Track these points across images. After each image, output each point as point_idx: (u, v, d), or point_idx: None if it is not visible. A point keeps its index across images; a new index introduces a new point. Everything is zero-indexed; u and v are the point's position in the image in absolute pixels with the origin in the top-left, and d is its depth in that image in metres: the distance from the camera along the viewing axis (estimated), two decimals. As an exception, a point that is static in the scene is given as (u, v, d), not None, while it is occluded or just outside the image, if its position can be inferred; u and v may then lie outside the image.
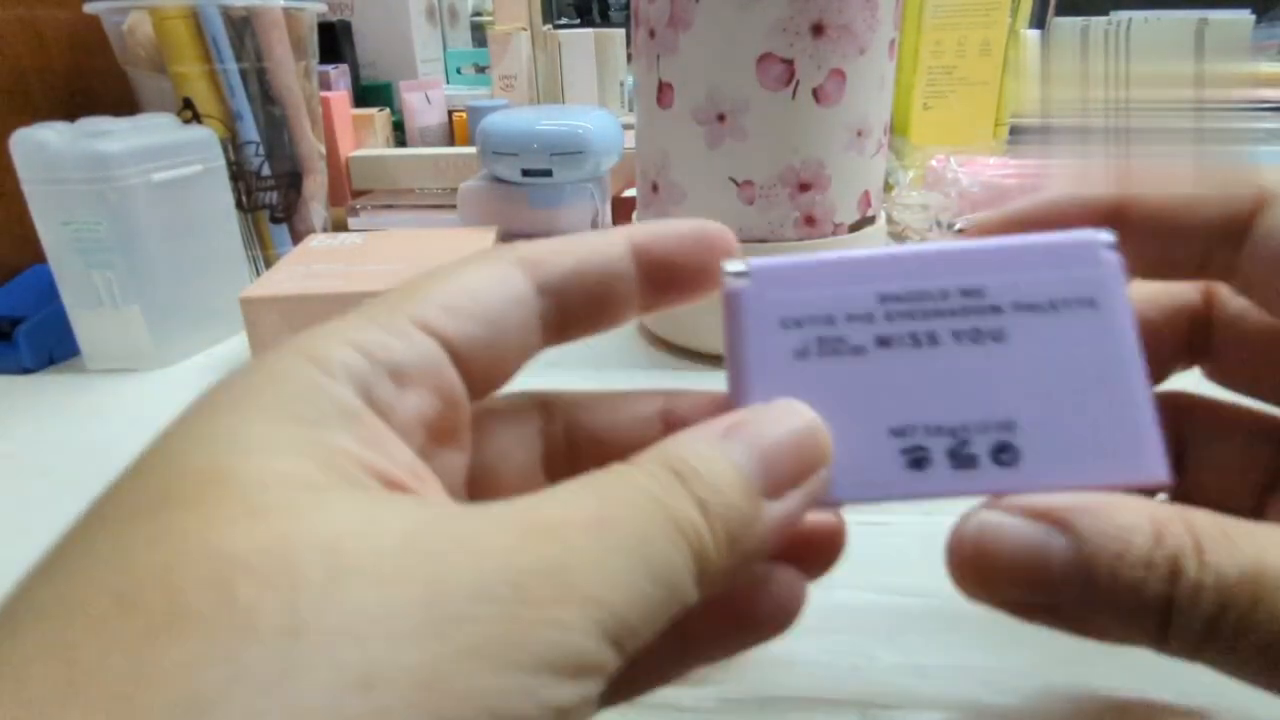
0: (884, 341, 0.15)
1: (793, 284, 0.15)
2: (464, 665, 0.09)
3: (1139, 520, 0.13)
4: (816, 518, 0.17)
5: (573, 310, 0.15)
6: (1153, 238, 0.16)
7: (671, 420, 0.17)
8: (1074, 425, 0.14)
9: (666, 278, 0.16)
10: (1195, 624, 0.13)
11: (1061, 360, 0.14)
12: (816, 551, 0.17)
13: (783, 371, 0.15)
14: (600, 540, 0.11)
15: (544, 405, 0.17)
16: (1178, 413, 0.18)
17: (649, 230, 0.16)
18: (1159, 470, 0.14)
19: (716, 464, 0.13)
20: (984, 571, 0.14)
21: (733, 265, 0.16)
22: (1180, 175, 0.17)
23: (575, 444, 0.17)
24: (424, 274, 0.15)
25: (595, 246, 0.15)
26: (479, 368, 0.14)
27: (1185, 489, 0.17)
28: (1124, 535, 0.13)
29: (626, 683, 0.13)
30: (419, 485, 0.12)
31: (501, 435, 0.17)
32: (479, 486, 0.16)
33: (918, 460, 0.15)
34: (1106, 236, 0.15)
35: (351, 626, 0.09)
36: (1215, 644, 0.13)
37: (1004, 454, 0.14)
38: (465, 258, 0.15)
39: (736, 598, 0.16)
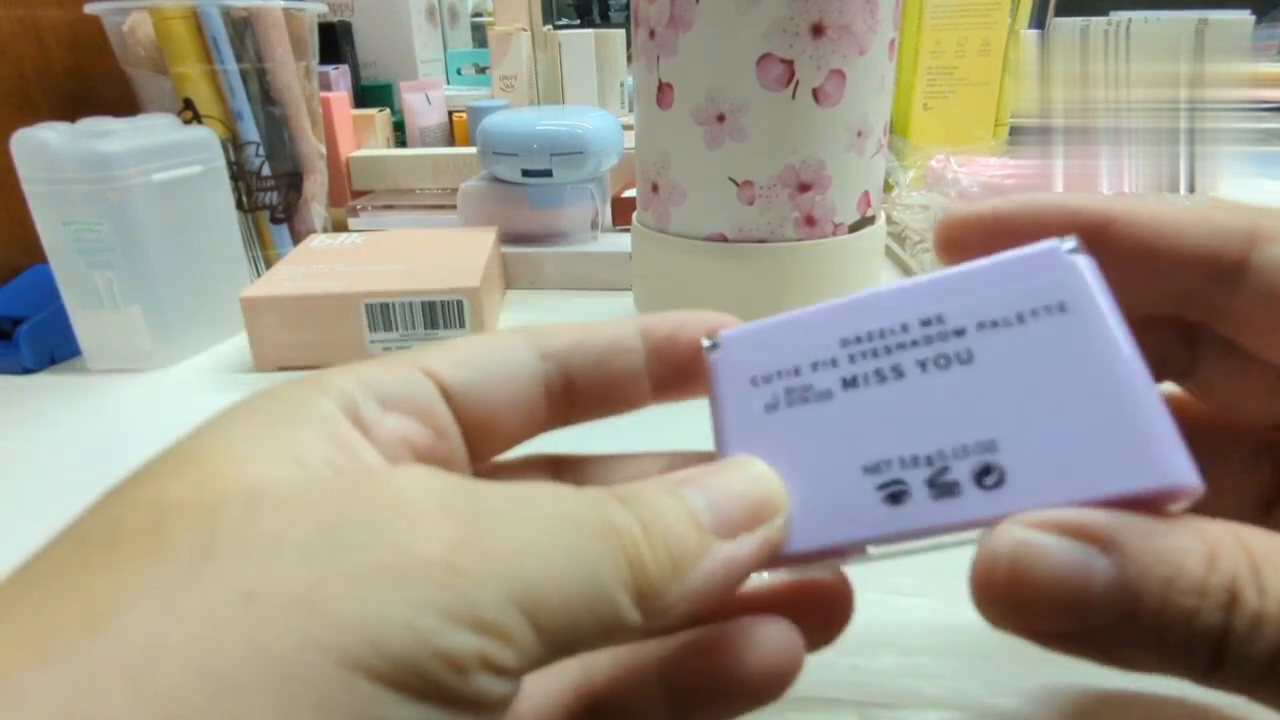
0: (849, 382, 0.15)
1: (759, 344, 0.16)
2: (348, 590, 0.10)
3: (1190, 540, 0.11)
4: (820, 576, 0.17)
5: (579, 380, 0.16)
6: (1133, 263, 0.15)
7: None
8: (1064, 435, 0.13)
9: (673, 357, 0.17)
10: (1253, 659, 0.11)
11: (1039, 371, 0.13)
12: (821, 613, 0.17)
13: (755, 425, 0.15)
14: (522, 510, 0.11)
15: (554, 464, 0.18)
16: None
17: (659, 318, 0.17)
18: (1182, 472, 0.12)
19: (664, 500, 0.13)
20: (1019, 599, 0.12)
21: (707, 341, 0.16)
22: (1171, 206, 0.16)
23: None
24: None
25: (603, 324, 0.17)
26: (474, 412, 0.15)
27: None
28: (1175, 557, 0.11)
29: None
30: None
31: None
32: None
33: (895, 495, 0.14)
34: (1068, 243, 0.14)
35: (254, 549, 0.10)
36: (1273, 680, 0.11)
37: (987, 476, 0.13)
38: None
39: (723, 650, 0.15)
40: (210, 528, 0.10)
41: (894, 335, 0.15)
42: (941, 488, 0.13)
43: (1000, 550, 0.12)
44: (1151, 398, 0.13)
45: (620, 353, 0.16)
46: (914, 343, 0.15)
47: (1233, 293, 0.14)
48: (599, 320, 0.17)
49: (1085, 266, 0.14)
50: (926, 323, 0.15)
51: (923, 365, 0.14)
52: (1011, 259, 0.14)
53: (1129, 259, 0.15)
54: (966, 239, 0.16)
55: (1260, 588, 0.11)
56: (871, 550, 0.15)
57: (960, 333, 0.14)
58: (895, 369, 0.15)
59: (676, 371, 0.17)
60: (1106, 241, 0.15)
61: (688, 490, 0.13)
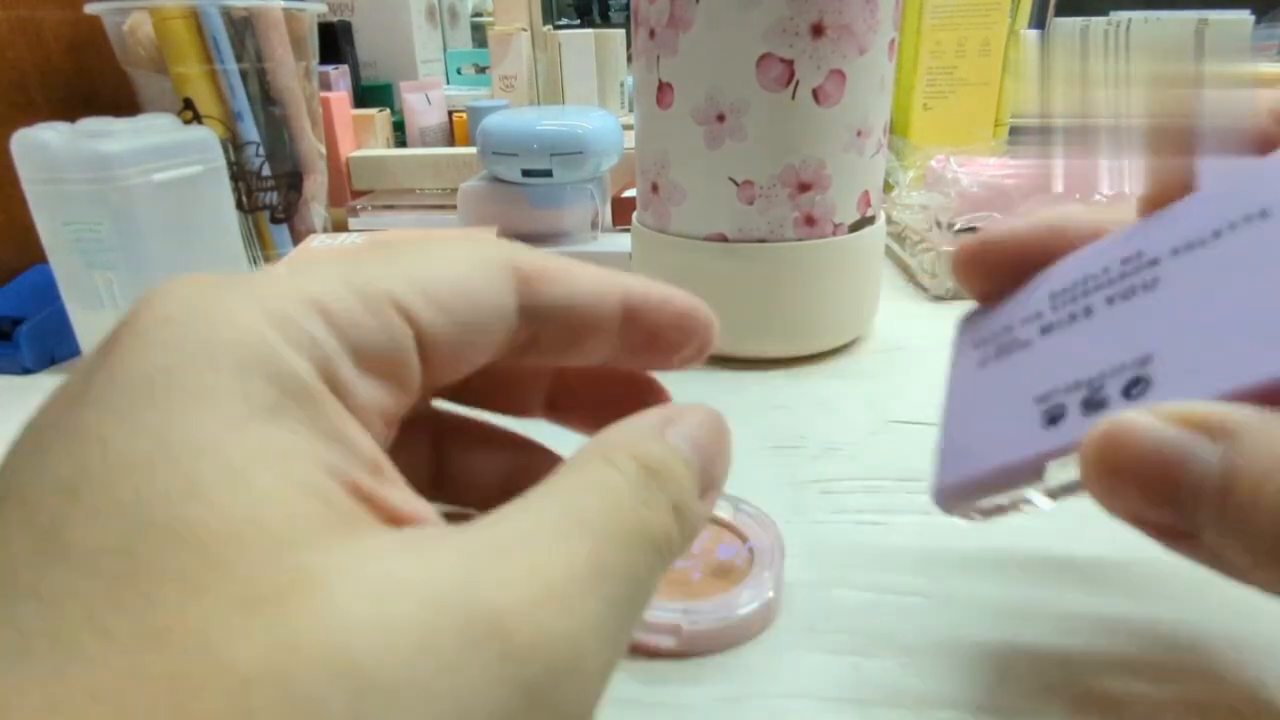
0: (1046, 329, 0.16)
1: (987, 313, 0.18)
2: None
3: None
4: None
5: (545, 341, 0.15)
6: None
7: None
8: (1216, 337, 0.13)
9: (646, 341, 0.16)
10: None
11: (1215, 281, 0.13)
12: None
13: (971, 380, 0.17)
14: (603, 606, 0.11)
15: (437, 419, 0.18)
16: None
17: (646, 290, 0.16)
18: None
19: (676, 463, 0.13)
20: (1111, 471, 0.13)
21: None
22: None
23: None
24: (410, 242, 0.14)
25: (592, 287, 0.15)
26: (438, 366, 0.13)
27: None
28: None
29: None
30: (381, 484, 0.11)
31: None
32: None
33: (1054, 418, 0.15)
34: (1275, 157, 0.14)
35: None
36: None
37: (1135, 388, 0.14)
38: (456, 237, 0.15)
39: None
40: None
41: (1094, 280, 0.16)
42: (1093, 405, 0.14)
43: (1100, 426, 0.13)
44: None
45: (599, 324, 0.15)
46: (1110, 281, 0.15)
47: None
48: (586, 269, 0.15)
49: None
50: (1126, 260, 0.15)
51: (1110, 300, 0.15)
52: (1220, 182, 0.15)
53: None
54: (985, 261, 0.17)
55: None
56: (1038, 485, 0.15)
57: (1154, 262, 0.15)
58: (1086, 309, 0.16)
59: (643, 352, 0.16)
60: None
61: (682, 442, 0.14)
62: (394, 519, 0.11)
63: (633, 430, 0.14)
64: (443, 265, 0.13)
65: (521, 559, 0.10)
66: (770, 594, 0.21)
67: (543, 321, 0.14)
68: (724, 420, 0.15)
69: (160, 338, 0.11)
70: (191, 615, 0.09)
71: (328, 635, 0.09)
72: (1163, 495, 0.12)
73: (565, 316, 0.15)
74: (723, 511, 0.24)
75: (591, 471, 0.12)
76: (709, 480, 0.14)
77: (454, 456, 0.18)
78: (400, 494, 0.12)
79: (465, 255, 0.14)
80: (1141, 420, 0.12)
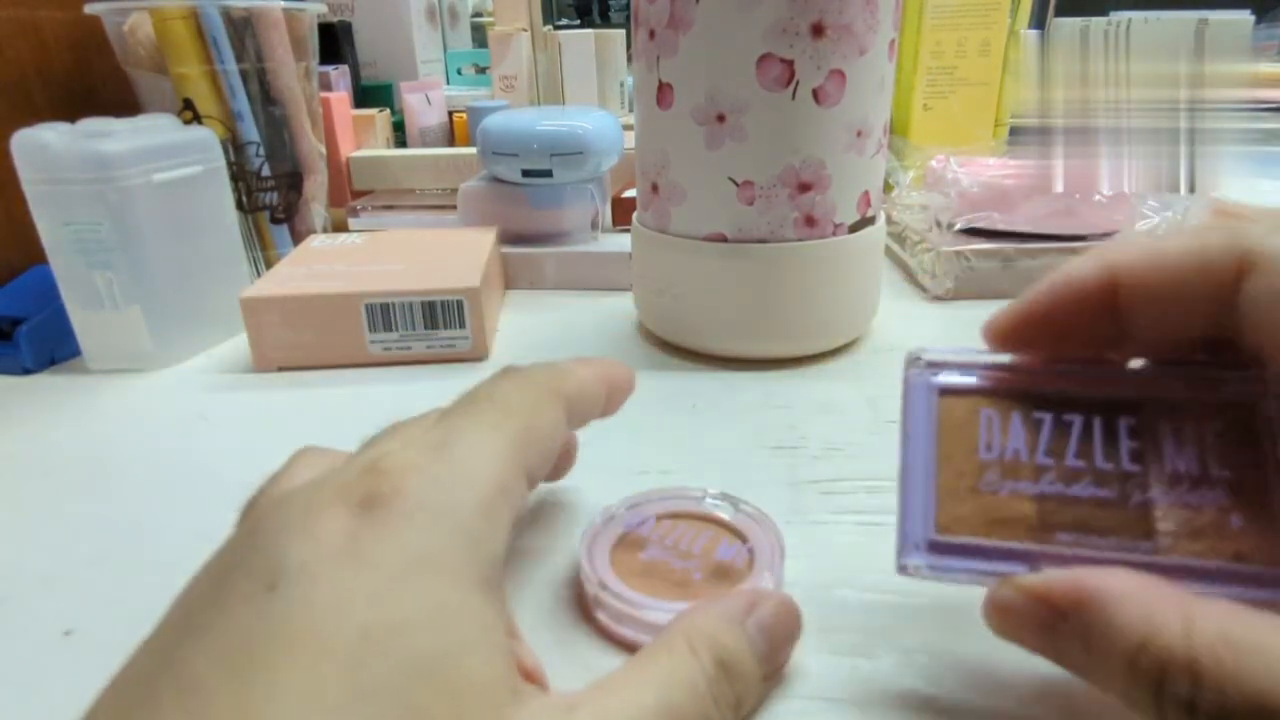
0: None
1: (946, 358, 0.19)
2: None
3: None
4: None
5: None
6: (1148, 317, 0.17)
7: None
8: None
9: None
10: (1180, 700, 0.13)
11: None
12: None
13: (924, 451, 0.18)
14: None
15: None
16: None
17: (612, 372, 0.22)
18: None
19: (746, 656, 0.17)
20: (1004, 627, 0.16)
21: (908, 358, 0.20)
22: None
23: None
24: (528, 402, 0.18)
25: (595, 391, 0.21)
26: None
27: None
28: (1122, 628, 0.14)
29: None
30: (517, 645, 0.17)
31: None
32: None
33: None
34: None
35: None
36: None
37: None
38: (543, 393, 0.19)
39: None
40: None
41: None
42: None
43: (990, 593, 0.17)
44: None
45: (595, 404, 0.22)
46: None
47: (1233, 316, 0.16)
48: (584, 370, 0.21)
49: None
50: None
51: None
52: None
53: (1144, 309, 0.17)
54: (1013, 331, 0.18)
55: (1195, 679, 0.13)
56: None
57: None
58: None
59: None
60: (1120, 302, 0.17)
61: (756, 633, 0.18)
62: (526, 675, 0.16)
63: (717, 618, 0.18)
64: (549, 431, 0.19)
65: None
66: None
67: (573, 424, 0.21)
68: (798, 611, 0.19)
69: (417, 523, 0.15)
70: None
71: None
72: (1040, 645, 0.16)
73: (584, 417, 0.22)
74: (723, 512, 0.24)
75: (679, 660, 0.16)
76: (773, 666, 0.18)
77: None
78: (525, 650, 0.17)
79: (554, 412, 0.19)
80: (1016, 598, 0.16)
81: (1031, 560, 0.16)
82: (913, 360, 0.19)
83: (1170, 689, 0.13)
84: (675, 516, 0.24)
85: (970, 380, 0.18)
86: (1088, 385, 0.17)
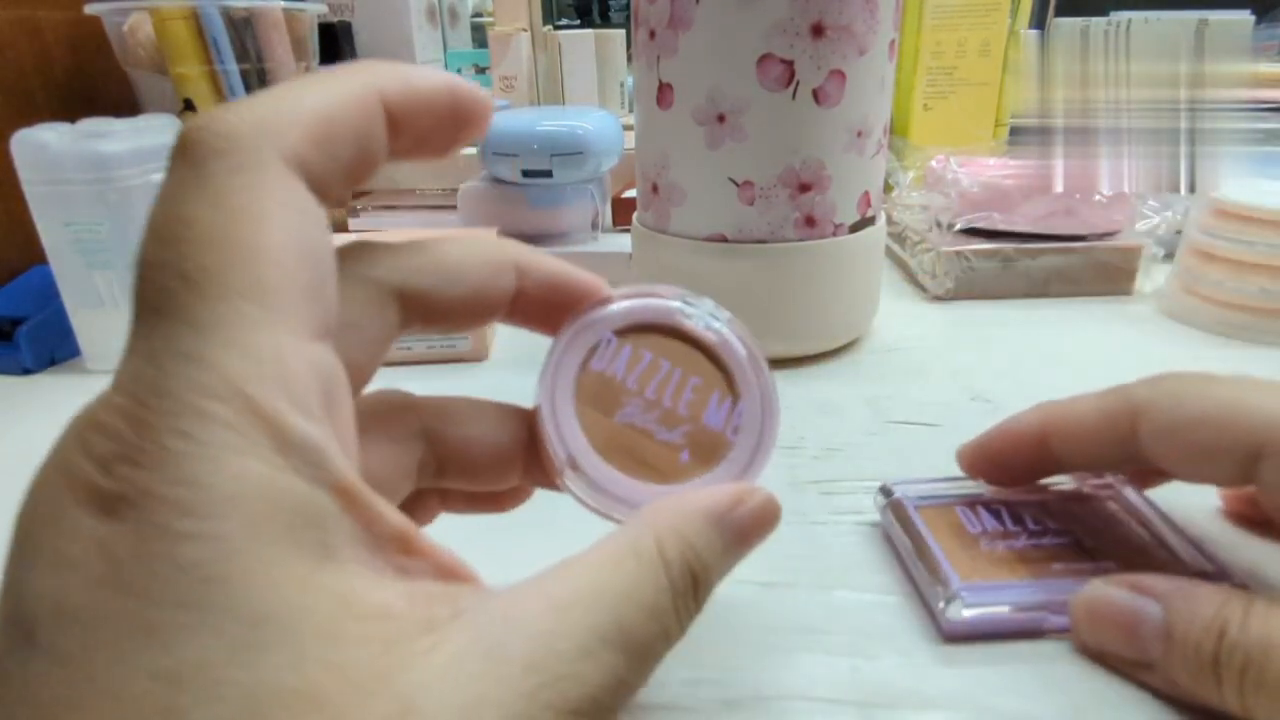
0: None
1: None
2: None
3: (1209, 593, 0.18)
4: None
5: (437, 303, 0.17)
6: (1075, 457, 0.23)
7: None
8: None
9: (540, 299, 0.18)
10: (1233, 675, 0.17)
11: None
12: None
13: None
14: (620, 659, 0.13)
15: (403, 406, 0.18)
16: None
17: (537, 258, 0.18)
18: None
19: (721, 561, 0.16)
20: (1094, 627, 0.20)
21: (880, 497, 0.26)
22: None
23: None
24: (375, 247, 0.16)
25: (468, 251, 0.17)
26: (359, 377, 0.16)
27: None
28: (1197, 604, 0.18)
29: None
30: (417, 560, 0.13)
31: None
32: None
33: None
34: None
35: None
36: (1249, 695, 0.17)
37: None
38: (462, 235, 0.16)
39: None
40: None
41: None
42: None
43: (1081, 593, 0.20)
44: None
45: (494, 288, 0.17)
46: None
47: (1140, 451, 0.21)
48: (461, 240, 0.17)
49: None
50: None
51: None
52: None
53: (1070, 454, 0.23)
54: (976, 458, 0.25)
55: (1241, 625, 0.17)
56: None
57: None
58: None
59: (539, 308, 0.18)
60: (1050, 448, 0.23)
61: (729, 532, 0.16)
62: (442, 573, 0.13)
63: (697, 520, 0.16)
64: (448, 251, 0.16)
65: (563, 676, 0.12)
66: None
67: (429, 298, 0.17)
68: (779, 510, 0.17)
69: (202, 530, 0.11)
70: None
71: None
72: (1128, 639, 0.19)
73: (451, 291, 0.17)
74: (696, 321, 0.19)
75: (646, 570, 0.14)
76: (741, 551, 0.17)
77: (446, 440, 0.18)
78: (439, 556, 0.14)
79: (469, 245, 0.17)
80: (1115, 591, 0.20)
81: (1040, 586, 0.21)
82: (888, 493, 0.25)
83: (1225, 645, 0.17)
84: (645, 330, 0.19)
85: (934, 496, 0.25)
86: (1009, 497, 0.25)
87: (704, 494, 0.16)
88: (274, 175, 0.13)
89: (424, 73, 0.15)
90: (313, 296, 0.13)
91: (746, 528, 0.16)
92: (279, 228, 0.12)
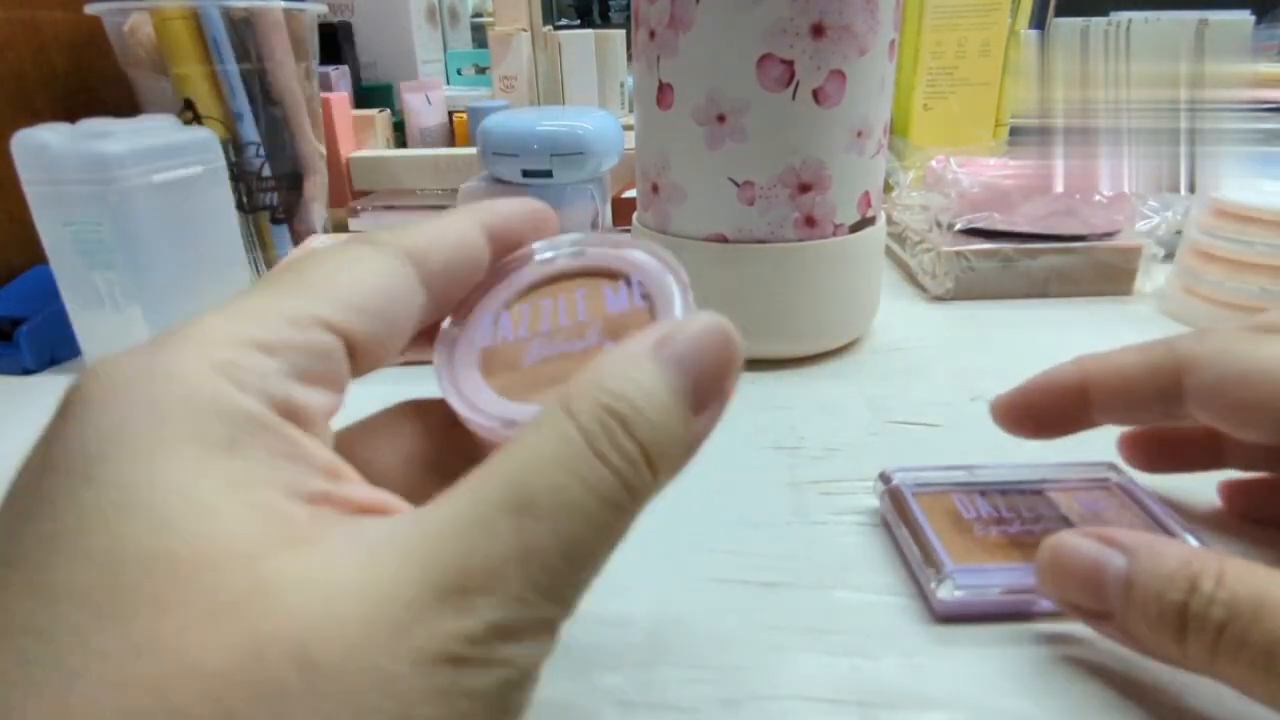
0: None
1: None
2: None
3: (1175, 549, 0.18)
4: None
5: (443, 297, 0.17)
6: (1114, 409, 0.23)
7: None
8: None
9: (513, 246, 0.19)
10: (1206, 632, 0.16)
11: None
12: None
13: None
14: (525, 586, 0.12)
15: (417, 410, 0.19)
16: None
17: (493, 212, 0.18)
18: None
19: (657, 396, 0.13)
20: (1057, 575, 0.19)
21: (879, 484, 0.26)
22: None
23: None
24: (313, 259, 0.15)
25: (461, 233, 0.17)
26: (367, 360, 0.15)
27: None
28: (1162, 559, 0.18)
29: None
30: (340, 485, 0.13)
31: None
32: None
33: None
34: None
35: None
36: (1223, 655, 0.16)
37: None
38: (348, 245, 0.16)
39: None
40: (282, 714, 0.10)
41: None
42: None
43: (1048, 542, 0.20)
44: None
45: (477, 263, 0.17)
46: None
47: (1184, 405, 0.21)
48: (445, 220, 0.17)
49: None
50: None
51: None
52: None
53: (1110, 406, 0.23)
54: (1013, 409, 0.25)
55: (1219, 583, 0.16)
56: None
57: None
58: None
59: (516, 245, 0.19)
60: (1089, 399, 0.23)
61: (670, 365, 0.14)
62: (361, 509, 0.13)
63: (610, 365, 0.14)
64: (353, 273, 0.15)
65: (449, 552, 0.11)
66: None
67: (440, 284, 0.16)
68: (729, 330, 0.14)
69: (110, 402, 0.12)
70: (167, 628, 0.10)
71: (284, 634, 0.10)
72: (1091, 589, 0.19)
73: (455, 269, 0.17)
74: (564, 256, 0.19)
75: (546, 431, 0.13)
76: (704, 400, 0.14)
77: (448, 437, 0.18)
78: (361, 489, 0.13)
79: (367, 259, 0.15)
80: (1081, 540, 0.19)
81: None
82: (886, 479, 0.26)
83: (1197, 599, 0.16)
84: (521, 297, 0.18)
85: (931, 483, 0.26)
86: (1006, 486, 0.25)
87: (625, 343, 0.14)
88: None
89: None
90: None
91: (688, 356, 0.14)
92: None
